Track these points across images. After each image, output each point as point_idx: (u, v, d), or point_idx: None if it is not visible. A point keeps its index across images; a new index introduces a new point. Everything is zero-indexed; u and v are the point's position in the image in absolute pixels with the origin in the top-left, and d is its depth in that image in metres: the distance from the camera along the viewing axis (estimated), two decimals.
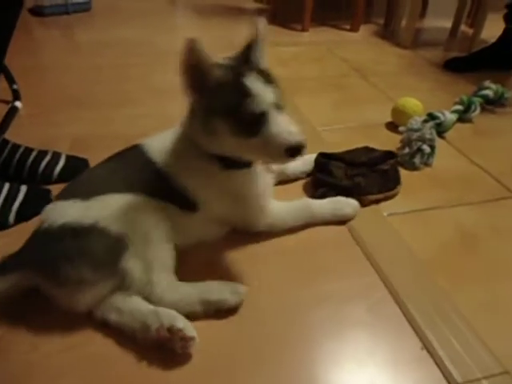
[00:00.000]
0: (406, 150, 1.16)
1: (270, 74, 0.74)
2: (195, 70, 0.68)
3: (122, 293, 0.71)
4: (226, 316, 0.73)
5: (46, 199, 0.95)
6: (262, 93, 0.69)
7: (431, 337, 0.70)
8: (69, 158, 1.09)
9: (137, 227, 0.72)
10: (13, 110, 1.34)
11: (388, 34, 2.36)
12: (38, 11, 2.44)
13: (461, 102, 1.39)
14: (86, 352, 0.68)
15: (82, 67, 1.77)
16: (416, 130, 1.18)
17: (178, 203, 0.79)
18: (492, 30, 1.91)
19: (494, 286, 0.81)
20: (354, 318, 0.74)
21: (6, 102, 1.39)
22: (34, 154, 1.06)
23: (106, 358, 0.67)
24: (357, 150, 1.11)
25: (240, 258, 0.86)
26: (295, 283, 0.81)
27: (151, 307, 0.69)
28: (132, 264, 0.70)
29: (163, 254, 0.74)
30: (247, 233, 0.89)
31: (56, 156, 1.08)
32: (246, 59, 0.73)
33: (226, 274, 0.81)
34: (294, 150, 0.68)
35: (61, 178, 1.04)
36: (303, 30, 2.34)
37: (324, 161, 1.04)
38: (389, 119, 1.38)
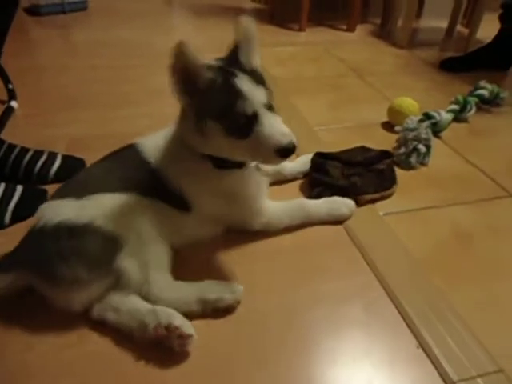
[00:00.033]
0: (402, 150, 1.16)
1: (260, 74, 0.74)
2: (184, 73, 0.68)
3: (119, 292, 0.71)
4: (224, 315, 0.73)
5: (42, 199, 0.94)
6: (253, 93, 0.69)
7: (427, 336, 0.71)
8: (65, 158, 1.08)
9: (132, 227, 0.72)
10: (8, 110, 1.34)
11: (384, 33, 2.37)
12: (33, 10, 2.43)
13: (456, 102, 1.40)
14: (83, 351, 0.68)
15: (78, 67, 1.77)
16: (412, 130, 1.19)
17: (172, 203, 0.79)
18: (488, 29, 1.92)
19: (490, 285, 0.82)
20: (350, 318, 0.75)
21: (2, 102, 1.39)
22: (29, 154, 1.06)
23: (103, 357, 0.67)
24: (353, 149, 1.11)
25: (236, 257, 0.86)
26: (292, 283, 0.81)
27: (149, 306, 0.69)
28: (127, 263, 0.70)
29: (159, 254, 0.75)
30: (243, 232, 0.89)
31: (52, 156, 1.08)
32: (236, 60, 0.73)
33: (222, 274, 0.82)
34: (286, 151, 0.68)
35: (57, 178, 1.03)
36: (300, 29, 2.35)
37: (320, 160, 1.04)
38: (385, 119, 1.39)
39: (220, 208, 0.84)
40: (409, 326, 0.73)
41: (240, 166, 0.80)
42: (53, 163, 1.06)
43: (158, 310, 0.67)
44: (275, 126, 0.69)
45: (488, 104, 1.49)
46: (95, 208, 0.71)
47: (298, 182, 1.09)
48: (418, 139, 1.17)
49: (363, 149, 1.11)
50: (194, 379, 0.64)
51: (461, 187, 1.10)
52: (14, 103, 1.38)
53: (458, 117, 1.39)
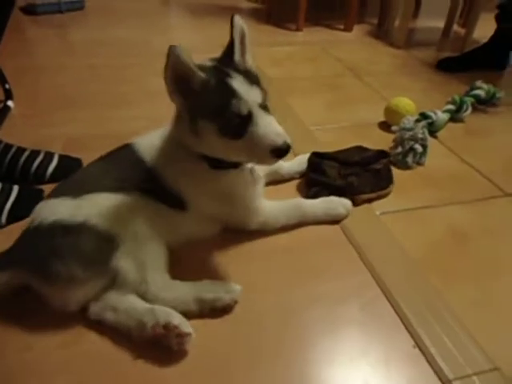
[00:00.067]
0: (399, 150, 1.17)
1: (255, 74, 0.74)
2: (178, 74, 0.68)
3: (116, 292, 0.71)
4: (221, 315, 0.73)
5: (39, 199, 0.93)
6: (247, 93, 0.69)
7: (423, 335, 0.71)
8: (62, 158, 1.08)
9: (128, 226, 0.72)
10: (5, 110, 1.34)
11: (381, 33, 2.38)
12: (30, 10, 2.42)
13: (453, 102, 1.40)
14: (80, 350, 0.68)
15: (75, 67, 1.76)
16: (408, 130, 1.19)
17: (168, 202, 0.80)
18: (484, 30, 1.93)
19: (485, 284, 0.82)
20: (347, 318, 0.75)
21: None
22: (26, 153, 1.06)
23: (101, 356, 0.67)
24: (350, 149, 1.11)
25: (232, 256, 0.86)
26: (288, 282, 0.81)
27: (147, 305, 0.69)
28: (124, 262, 0.71)
29: (155, 253, 0.75)
30: (239, 231, 0.89)
31: (49, 156, 1.07)
32: (230, 60, 0.73)
33: (218, 273, 0.82)
34: (280, 151, 0.68)
35: (53, 178, 1.03)
36: (297, 29, 2.35)
37: (317, 160, 1.05)
38: (382, 119, 1.39)
39: (216, 208, 0.84)
40: (405, 326, 0.73)
41: (236, 166, 0.80)
42: (49, 163, 1.06)
43: (156, 309, 0.68)
44: (269, 126, 0.69)
45: (484, 104, 1.50)
46: (91, 207, 0.72)
47: (295, 181, 1.09)
48: (415, 139, 1.17)
49: (360, 148, 1.11)
50: (192, 378, 0.65)
51: (457, 187, 1.10)
52: (10, 103, 1.38)
53: (455, 117, 1.40)
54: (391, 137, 1.26)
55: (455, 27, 2.44)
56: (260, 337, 0.71)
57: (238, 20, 0.74)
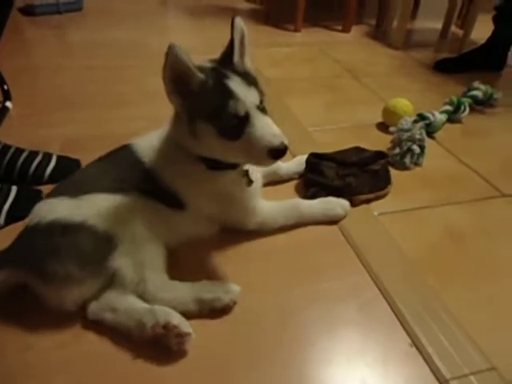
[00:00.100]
0: (397, 150, 1.17)
1: (253, 75, 0.75)
2: (177, 75, 0.69)
3: (116, 292, 0.71)
4: (219, 315, 0.73)
5: (37, 200, 0.93)
6: (245, 95, 0.69)
7: (420, 334, 0.72)
8: (60, 159, 1.08)
9: (126, 227, 0.73)
10: (3, 111, 1.34)
11: (379, 34, 2.38)
12: (28, 11, 2.42)
13: (450, 103, 1.41)
14: (80, 350, 0.68)
15: (74, 67, 1.77)
16: (406, 131, 1.20)
17: (166, 202, 0.80)
18: (482, 31, 1.94)
19: (483, 285, 0.83)
20: (345, 318, 0.75)
21: None
22: (24, 154, 1.06)
23: (101, 356, 0.67)
24: (348, 150, 1.12)
25: (230, 257, 0.86)
26: (286, 283, 0.82)
27: (146, 305, 0.69)
28: (121, 262, 0.71)
29: (154, 253, 0.75)
30: (237, 232, 0.89)
31: (47, 157, 1.07)
32: (229, 61, 0.74)
33: (216, 274, 0.82)
34: (277, 152, 0.68)
35: (52, 179, 1.03)
36: (296, 30, 2.35)
37: (315, 161, 1.05)
38: (380, 119, 1.40)
39: (214, 208, 0.84)
40: (403, 326, 0.74)
41: (233, 167, 0.80)
42: (48, 164, 1.06)
43: (156, 309, 0.68)
44: (267, 128, 0.69)
45: (482, 105, 1.51)
46: (90, 207, 0.72)
47: (294, 182, 1.09)
48: (413, 140, 1.18)
49: (358, 149, 1.12)
50: (191, 378, 0.65)
51: (454, 187, 1.11)
52: (8, 104, 1.38)
53: (452, 117, 1.40)
54: (389, 138, 1.26)
55: (453, 28, 2.45)
56: (258, 337, 0.71)
57: (239, 22, 0.74)
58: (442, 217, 1.00)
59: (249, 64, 0.77)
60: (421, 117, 1.30)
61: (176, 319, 0.66)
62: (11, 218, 0.92)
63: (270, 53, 2.01)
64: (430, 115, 1.30)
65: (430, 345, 0.70)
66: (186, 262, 0.84)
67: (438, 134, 1.33)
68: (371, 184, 1.03)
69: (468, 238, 0.94)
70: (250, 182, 0.84)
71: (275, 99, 1.51)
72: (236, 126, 0.69)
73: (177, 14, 2.71)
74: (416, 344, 0.70)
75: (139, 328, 0.67)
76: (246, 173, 0.83)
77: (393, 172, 1.11)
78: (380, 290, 0.80)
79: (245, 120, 0.69)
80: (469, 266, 0.87)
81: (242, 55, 0.75)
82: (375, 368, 0.67)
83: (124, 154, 0.83)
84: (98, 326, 0.70)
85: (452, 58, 1.92)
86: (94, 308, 0.71)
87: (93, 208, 0.72)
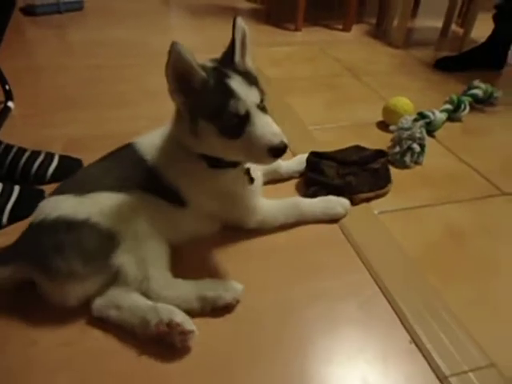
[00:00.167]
0: (397, 149, 1.18)
1: (253, 75, 0.75)
2: (179, 73, 0.69)
3: (120, 289, 0.72)
4: (221, 313, 0.74)
5: (40, 199, 0.94)
6: (246, 94, 0.70)
7: (420, 332, 0.72)
8: (62, 159, 1.09)
9: (129, 225, 0.73)
10: (5, 110, 1.34)
11: (380, 33, 2.39)
12: (29, 10, 2.43)
13: (450, 102, 1.41)
14: (85, 346, 0.69)
15: (75, 67, 1.77)
16: (406, 129, 1.20)
17: (169, 200, 0.81)
18: (482, 29, 1.94)
19: (483, 283, 0.83)
20: (345, 316, 0.76)
21: None
22: (27, 154, 1.06)
23: (105, 352, 0.68)
24: (348, 148, 1.12)
25: (232, 255, 0.87)
26: (287, 281, 0.82)
27: (150, 303, 0.70)
28: (124, 260, 0.72)
29: (156, 251, 0.76)
30: (238, 230, 0.90)
31: (49, 156, 1.08)
32: (230, 61, 0.74)
33: (218, 272, 0.83)
34: (277, 151, 0.69)
35: (54, 179, 1.04)
36: (296, 29, 2.36)
37: (315, 160, 1.05)
38: (380, 118, 1.40)
39: (215, 206, 0.85)
40: (403, 323, 0.74)
41: (234, 165, 0.81)
42: (50, 163, 1.06)
43: (160, 306, 0.69)
44: (267, 126, 0.70)
45: (482, 103, 1.51)
46: (93, 205, 0.73)
47: (294, 181, 1.10)
48: (413, 138, 1.18)
49: (358, 148, 1.12)
50: (194, 376, 0.65)
51: (454, 186, 1.11)
52: (10, 104, 1.39)
53: (452, 116, 1.41)
54: (389, 136, 1.27)
55: (453, 27, 2.45)
56: (259, 335, 0.72)
57: (241, 22, 0.74)
58: (442, 215, 1.00)
59: (250, 63, 0.77)
60: (421, 115, 1.30)
61: (179, 317, 0.67)
62: (14, 218, 0.92)
63: (271, 52, 2.01)
64: (430, 114, 1.31)
65: (430, 342, 0.70)
66: (188, 259, 0.84)
67: (438, 133, 1.34)
68: (371, 183, 1.03)
69: (468, 237, 0.94)
70: (252, 180, 0.84)
71: (276, 98, 1.51)
72: (236, 124, 0.70)
73: (177, 13, 2.72)
74: (416, 341, 0.71)
75: (143, 325, 0.68)
76: (247, 171, 0.84)
77: (393, 171, 1.11)
78: (380, 288, 0.81)
79: (245, 119, 0.70)
80: (469, 265, 0.87)
81: (243, 55, 0.76)
82: (375, 365, 0.68)
83: (127, 153, 0.84)
84: (103, 323, 0.71)
85: (452, 56, 1.92)
86: (98, 305, 0.72)
87: (96, 206, 0.73)
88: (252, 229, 0.90)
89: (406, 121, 1.23)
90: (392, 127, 1.26)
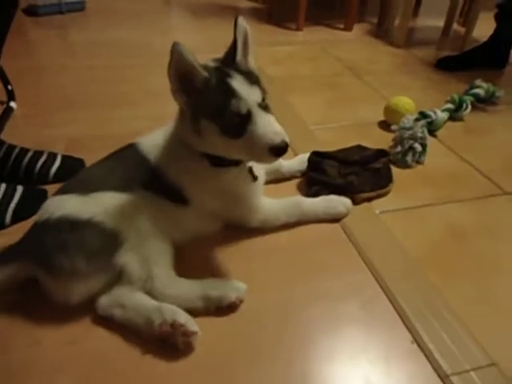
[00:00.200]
0: (398, 149, 1.18)
1: (255, 74, 0.76)
2: (181, 74, 0.70)
3: (125, 288, 0.72)
4: (222, 313, 0.74)
5: (43, 199, 0.94)
6: (247, 93, 0.70)
7: (422, 331, 0.72)
8: (64, 158, 1.09)
9: (132, 224, 0.74)
10: (8, 111, 1.35)
11: (381, 33, 2.38)
12: (31, 11, 2.43)
13: (452, 101, 1.41)
14: (89, 345, 0.69)
15: (77, 68, 1.77)
16: (408, 129, 1.20)
17: (171, 199, 0.81)
18: (484, 28, 1.94)
19: (484, 282, 0.83)
20: (347, 316, 0.76)
21: (1, 103, 1.40)
22: (29, 154, 1.07)
23: (109, 351, 0.68)
24: (350, 148, 1.12)
25: (233, 254, 0.87)
26: (288, 280, 0.82)
27: (155, 303, 0.70)
28: (128, 259, 0.72)
29: (159, 250, 0.76)
30: (239, 229, 0.90)
31: (52, 156, 1.08)
32: (232, 60, 0.75)
33: (219, 271, 0.83)
34: (278, 149, 0.69)
35: (57, 178, 1.04)
36: (298, 29, 2.35)
37: (317, 159, 1.05)
38: (381, 118, 1.40)
39: (217, 205, 0.85)
40: (404, 323, 0.74)
41: (237, 163, 0.81)
42: (53, 163, 1.07)
43: (164, 307, 0.69)
44: (268, 125, 0.70)
45: (484, 103, 1.51)
46: (97, 205, 0.73)
47: (296, 180, 1.10)
48: (414, 138, 1.18)
49: (360, 148, 1.12)
50: (195, 376, 0.65)
51: (456, 185, 1.11)
52: (13, 104, 1.39)
53: (454, 116, 1.40)
54: (391, 136, 1.27)
55: (455, 26, 2.45)
56: (260, 335, 0.72)
57: (242, 21, 0.75)
58: (443, 215, 1.00)
59: (252, 63, 0.77)
60: (423, 115, 1.30)
61: (183, 318, 0.67)
62: (17, 218, 0.93)
63: (272, 51, 2.01)
64: (431, 113, 1.31)
65: (432, 341, 0.70)
66: (190, 258, 0.84)
67: (439, 132, 1.34)
68: (373, 182, 1.03)
69: (470, 236, 0.94)
70: (255, 177, 0.84)
71: (277, 98, 1.51)
72: (238, 124, 0.70)
73: (179, 14, 2.72)
74: (417, 341, 0.71)
75: (147, 325, 0.68)
76: (250, 169, 0.84)
77: (394, 170, 1.11)
78: (382, 287, 0.81)
79: (247, 118, 0.70)
80: (470, 264, 0.87)
81: (245, 54, 0.76)
82: (377, 365, 0.68)
83: (129, 153, 0.84)
84: (107, 322, 0.71)
85: (454, 55, 1.92)
86: (103, 303, 0.72)
87: (100, 205, 0.73)
88: (254, 228, 0.91)
89: (408, 120, 1.23)
90: (393, 127, 1.26)
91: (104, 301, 0.72)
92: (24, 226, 0.79)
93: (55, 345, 0.69)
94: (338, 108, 1.51)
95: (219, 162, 0.80)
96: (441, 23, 2.39)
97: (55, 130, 1.29)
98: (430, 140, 1.23)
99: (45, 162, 1.06)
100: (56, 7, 2.45)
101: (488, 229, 0.97)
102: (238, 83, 0.71)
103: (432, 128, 1.31)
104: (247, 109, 0.70)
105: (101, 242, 0.71)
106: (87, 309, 0.73)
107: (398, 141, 1.20)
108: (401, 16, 2.17)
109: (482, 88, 1.48)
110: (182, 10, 2.74)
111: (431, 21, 2.57)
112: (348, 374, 0.67)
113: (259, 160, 0.75)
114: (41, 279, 0.73)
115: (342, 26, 2.41)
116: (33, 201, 0.94)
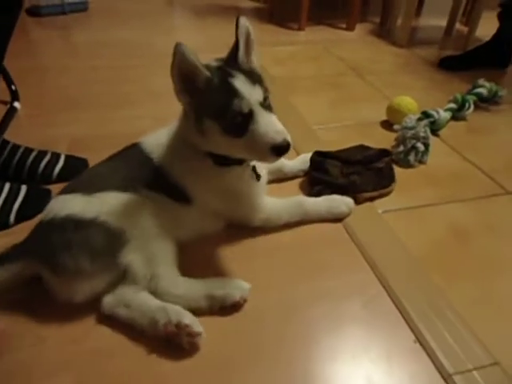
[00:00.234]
0: (401, 148, 1.18)
1: (257, 73, 0.76)
2: (184, 74, 0.70)
3: (130, 288, 0.73)
4: (227, 312, 0.74)
5: (47, 199, 0.96)
6: (249, 92, 0.70)
7: (425, 331, 0.72)
8: (68, 158, 1.10)
9: (136, 224, 0.74)
10: (12, 111, 1.36)
11: (384, 32, 2.38)
12: (34, 11, 2.44)
13: (455, 101, 1.41)
14: (93, 344, 0.69)
15: (79, 68, 1.78)
16: (410, 128, 1.20)
17: (175, 198, 0.81)
18: (486, 28, 1.93)
19: (487, 282, 0.83)
20: (349, 315, 0.76)
21: (5, 103, 1.40)
22: (33, 154, 1.07)
23: (113, 351, 0.68)
24: (352, 148, 1.12)
25: (236, 253, 0.87)
26: (291, 279, 0.82)
27: (159, 303, 0.71)
28: (132, 258, 0.73)
29: (163, 249, 0.76)
30: (242, 228, 0.90)
31: (55, 156, 1.09)
32: (234, 60, 0.75)
33: (221, 270, 0.83)
34: (280, 149, 0.69)
35: (60, 178, 1.05)
36: (300, 29, 2.36)
37: (320, 159, 1.06)
38: (384, 117, 1.40)
39: (220, 204, 0.86)
40: (407, 322, 0.74)
41: (240, 162, 0.82)
42: (56, 163, 1.07)
43: (168, 307, 0.69)
44: (270, 125, 0.70)
45: (486, 102, 1.51)
46: (101, 205, 0.74)
47: (298, 179, 1.10)
48: (417, 138, 1.18)
49: (362, 147, 1.12)
50: (196, 375, 0.66)
51: (459, 185, 1.11)
52: (17, 104, 1.40)
53: (457, 115, 1.40)
54: (393, 135, 1.27)
55: (458, 25, 2.44)
56: (262, 334, 0.72)
57: (244, 21, 0.75)
58: (446, 214, 1.00)
59: (255, 62, 0.78)
60: (425, 114, 1.30)
61: (188, 318, 0.67)
62: (21, 217, 0.93)
63: (275, 51, 2.01)
64: (434, 113, 1.30)
65: (434, 341, 0.71)
66: (193, 258, 0.85)
67: (442, 132, 1.34)
68: (375, 182, 1.03)
69: (472, 236, 0.94)
70: (258, 177, 0.85)
71: (280, 97, 1.51)
72: (240, 123, 0.70)
73: (182, 14, 2.73)
74: (420, 340, 0.71)
75: (152, 325, 0.68)
76: (254, 169, 0.84)
77: (397, 170, 1.11)
78: (384, 287, 0.81)
79: (249, 117, 0.70)
80: (473, 263, 0.87)
81: (248, 54, 0.76)
82: (380, 365, 0.68)
83: (133, 153, 0.85)
84: (111, 321, 0.72)
85: (457, 55, 1.91)
86: (107, 302, 0.72)
87: (104, 205, 0.74)
88: (256, 227, 0.91)
89: (410, 120, 1.23)
90: (396, 126, 1.26)
91: (108, 300, 0.72)
92: (28, 226, 0.80)
93: (59, 344, 0.69)
94: (340, 108, 1.51)
95: (223, 162, 0.80)
96: (443, 23, 2.39)
97: (58, 130, 1.30)
98: (432, 140, 1.22)
99: (48, 162, 1.07)
100: (59, 7, 2.47)
101: (491, 228, 0.97)
102: (239, 83, 0.71)
103: (434, 127, 1.31)
104: (249, 108, 0.70)
105: (105, 242, 0.71)
106: (91, 308, 0.73)
107: (401, 140, 1.20)
108: (403, 15, 2.17)
109: (484, 87, 1.48)
110: (185, 10, 2.75)
111: (434, 20, 2.56)
112: (350, 374, 0.67)
113: (261, 159, 0.75)
114: (45, 278, 0.73)
115: (344, 26, 2.41)
116: (37, 200, 0.95)
